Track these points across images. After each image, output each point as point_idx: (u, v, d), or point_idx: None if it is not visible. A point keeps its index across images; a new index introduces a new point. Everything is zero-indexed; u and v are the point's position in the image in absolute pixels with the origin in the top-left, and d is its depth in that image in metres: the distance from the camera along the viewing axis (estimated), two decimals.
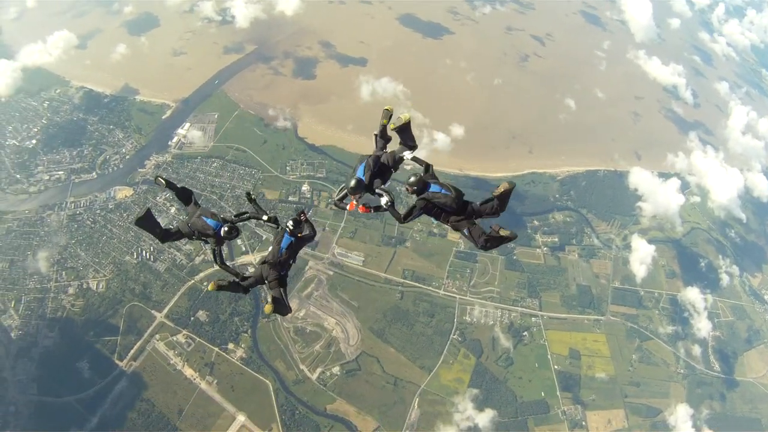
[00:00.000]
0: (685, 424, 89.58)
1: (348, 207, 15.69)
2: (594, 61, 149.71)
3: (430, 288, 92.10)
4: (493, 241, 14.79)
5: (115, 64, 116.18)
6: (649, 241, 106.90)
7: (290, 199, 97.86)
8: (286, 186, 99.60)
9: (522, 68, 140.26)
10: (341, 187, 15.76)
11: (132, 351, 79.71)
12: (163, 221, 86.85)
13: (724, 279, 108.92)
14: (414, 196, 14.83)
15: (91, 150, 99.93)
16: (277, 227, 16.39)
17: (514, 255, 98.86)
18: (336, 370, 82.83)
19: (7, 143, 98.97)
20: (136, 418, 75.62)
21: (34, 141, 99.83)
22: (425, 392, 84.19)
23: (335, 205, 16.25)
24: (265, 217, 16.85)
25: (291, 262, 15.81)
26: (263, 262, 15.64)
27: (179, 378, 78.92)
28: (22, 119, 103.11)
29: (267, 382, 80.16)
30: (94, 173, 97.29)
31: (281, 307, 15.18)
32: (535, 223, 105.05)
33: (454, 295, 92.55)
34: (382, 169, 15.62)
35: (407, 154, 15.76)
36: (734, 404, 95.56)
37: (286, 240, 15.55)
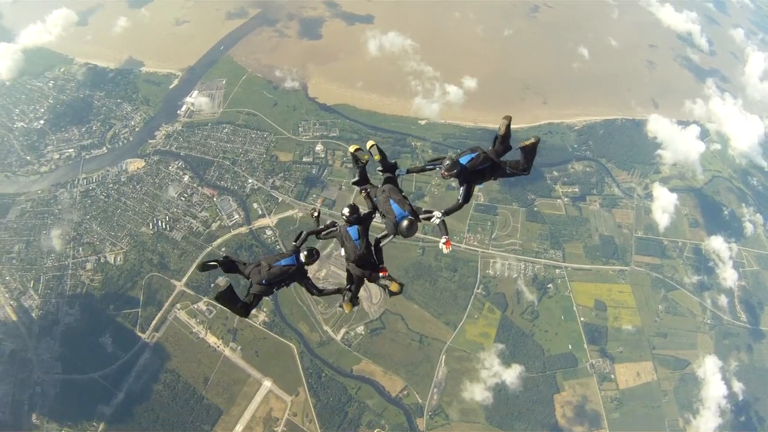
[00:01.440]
0: (714, 377, 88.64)
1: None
2: (605, 9, 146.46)
3: (453, 243, 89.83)
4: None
5: (117, 37, 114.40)
6: (671, 190, 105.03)
7: (304, 159, 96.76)
8: (300, 147, 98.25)
9: (532, 19, 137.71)
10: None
11: (154, 322, 79.17)
12: (175, 190, 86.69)
13: (748, 228, 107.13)
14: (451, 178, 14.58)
15: (100, 125, 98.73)
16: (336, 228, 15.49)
17: (535, 206, 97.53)
18: (360, 329, 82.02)
19: (15, 126, 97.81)
20: (161, 390, 75.40)
21: (42, 121, 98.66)
22: (451, 349, 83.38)
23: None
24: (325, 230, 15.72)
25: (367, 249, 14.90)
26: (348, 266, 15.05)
27: (202, 346, 78.38)
28: (29, 101, 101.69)
29: (291, 345, 79.50)
30: (104, 148, 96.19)
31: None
32: (555, 173, 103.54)
33: (476, 249, 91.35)
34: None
35: (435, 219, 15.02)
36: (762, 355, 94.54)
37: (353, 231, 14.85)
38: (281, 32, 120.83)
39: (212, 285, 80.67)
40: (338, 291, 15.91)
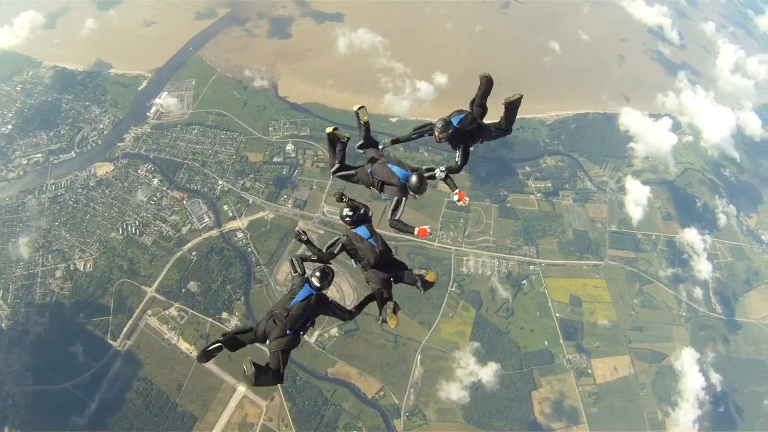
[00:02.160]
0: (691, 369, 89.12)
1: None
2: (576, 4, 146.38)
3: (425, 241, 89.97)
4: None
5: (86, 39, 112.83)
6: (644, 183, 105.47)
7: (275, 160, 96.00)
8: (270, 147, 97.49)
9: (503, 15, 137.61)
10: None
11: (125, 329, 78.01)
12: (145, 194, 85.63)
13: (722, 219, 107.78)
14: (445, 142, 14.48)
15: (68, 129, 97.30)
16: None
17: (508, 203, 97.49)
18: (334, 331, 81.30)
19: None
20: (134, 398, 74.30)
21: (9, 126, 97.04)
22: (427, 348, 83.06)
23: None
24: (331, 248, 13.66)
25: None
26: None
27: (175, 353, 77.33)
28: None
29: (264, 349, 77.71)
30: (72, 152, 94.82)
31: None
32: (527, 169, 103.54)
33: (449, 246, 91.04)
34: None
35: (439, 173, 14.68)
36: (738, 346, 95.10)
37: (362, 231, 13.46)
38: (250, 32, 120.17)
39: (183, 291, 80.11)
40: (371, 299, 14.30)
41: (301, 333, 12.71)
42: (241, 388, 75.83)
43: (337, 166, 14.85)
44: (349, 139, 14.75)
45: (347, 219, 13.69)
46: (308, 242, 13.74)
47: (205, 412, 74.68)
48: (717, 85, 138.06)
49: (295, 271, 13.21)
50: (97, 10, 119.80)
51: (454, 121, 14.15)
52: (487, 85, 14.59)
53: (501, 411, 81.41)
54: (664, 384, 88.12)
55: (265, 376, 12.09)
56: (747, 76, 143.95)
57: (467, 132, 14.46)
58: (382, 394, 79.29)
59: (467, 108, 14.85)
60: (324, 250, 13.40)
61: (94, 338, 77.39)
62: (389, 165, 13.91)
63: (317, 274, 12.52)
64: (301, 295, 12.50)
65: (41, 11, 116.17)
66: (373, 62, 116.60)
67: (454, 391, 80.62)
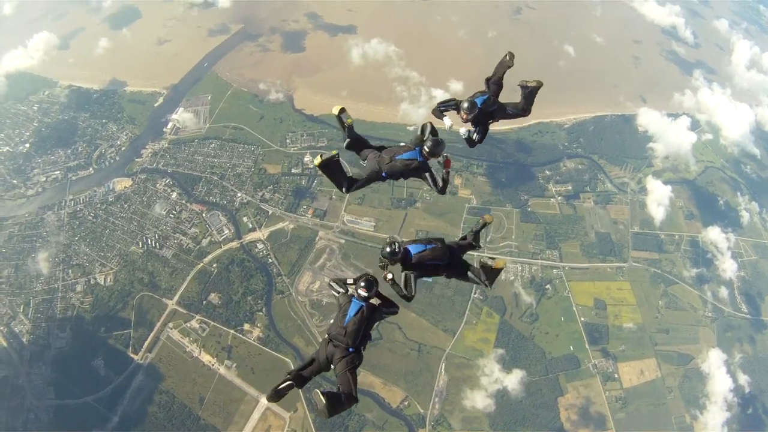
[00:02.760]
0: (718, 370, 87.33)
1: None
2: (588, 7, 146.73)
3: None
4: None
5: (100, 59, 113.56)
6: (664, 183, 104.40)
7: (293, 171, 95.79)
8: (288, 159, 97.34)
9: (515, 21, 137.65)
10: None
11: (146, 342, 77.51)
12: (164, 208, 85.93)
13: (745, 217, 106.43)
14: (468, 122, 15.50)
15: (86, 146, 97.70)
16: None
17: (529, 207, 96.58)
18: None
19: (1, 151, 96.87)
20: (156, 412, 73.55)
21: (27, 145, 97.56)
22: (451, 356, 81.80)
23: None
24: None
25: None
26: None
27: (197, 365, 76.75)
28: (14, 125, 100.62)
29: (287, 360, 77.60)
30: (90, 169, 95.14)
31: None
32: (547, 173, 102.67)
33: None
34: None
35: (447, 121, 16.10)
36: (766, 346, 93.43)
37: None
38: (264, 47, 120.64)
39: (204, 303, 79.80)
40: (411, 278, 14.10)
41: (362, 348, 12.63)
42: (264, 400, 74.61)
43: (348, 141, 14.78)
44: (351, 124, 14.57)
45: (394, 258, 13.47)
46: (395, 284, 13.95)
47: (228, 424, 73.74)
48: (734, 82, 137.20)
49: (338, 292, 13.39)
50: (110, 29, 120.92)
51: (479, 102, 15.30)
52: (506, 66, 15.79)
53: (527, 418, 79.88)
54: (691, 387, 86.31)
55: (339, 403, 11.76)
56: (763, 72, 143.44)
57: (488, 112, 15.62)
58: (406, 403, 77.94)
59: (484, 87, 15.89)
60: (405, 291, 13.80)
61: (116, 352, 76.91)
62: (398, 157, 14.12)
63: (362, 284, 12.72)
64: (353, 310, 12.56)
65: (55, 32, 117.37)
66: (387, 72, 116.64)
67: (479, 400, 79.17)
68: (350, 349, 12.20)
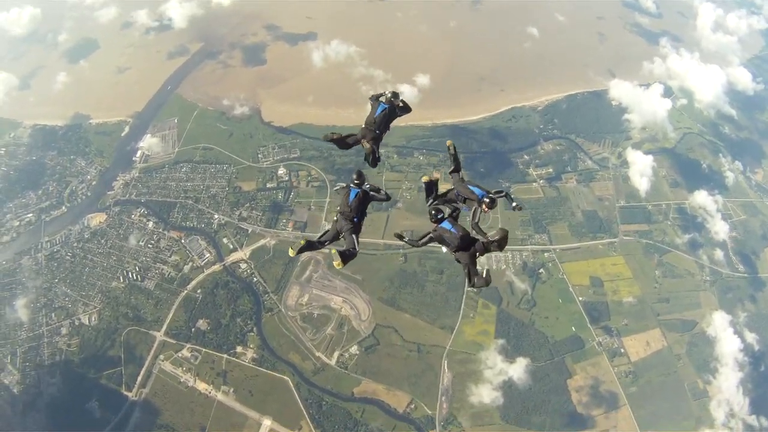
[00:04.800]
0: (725, 332, 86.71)
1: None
2: None
3: (434, 245, 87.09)
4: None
5: (61, 94, 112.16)
6: (645, 154, 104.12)
7: (268, 185, 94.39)
8: (262, 174, 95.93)
9: (476, 11, 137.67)
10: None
11: (139, 378, 75.51)
12: (141, 238, 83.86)
13: (729, 177, 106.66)
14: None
15: (56, 185, 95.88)
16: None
17: (512, 194, 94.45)
18: (354, 349, 78.75)
19: None
20: None
21: None
22: (452, 353, 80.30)
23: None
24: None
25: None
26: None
27: (193, 394, 74.71)
28: None
29: (285, 378, 76.01)
30: (63, 207, 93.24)
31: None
32: (525, 157, 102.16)
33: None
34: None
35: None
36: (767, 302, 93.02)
37: (446, 224, 16.80)
38: (225, 63, 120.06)
39: (192, 330, 78.19)
40: (431, 240, 17.33)
41: (362, 220, 17.21)
42: (267, 422, 73.13)
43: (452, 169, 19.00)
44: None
45: (433, 219, 17.14)
46: (408, 241, 18.64)
47: None
48: (701, 46, 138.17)
49: (342, 188, 17.80)
50: (68, 63, 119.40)
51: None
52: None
53: (538, 406, 78.51)
54: (699, 352, 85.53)
55: (346, 256, 16.21)
56: (729, 33, 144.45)
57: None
58: (413, 407, 76.29)
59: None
60: (419, 241, 17.52)
61: (109, 391, 74.71)
62: (470, 186, 17.70)
63: (354, 177, 17.48)
64: (353, 194, 17.21)
65: (13, 73, 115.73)
66: (351, 73, 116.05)
67: (485, 394, 77.63)
68: (355, 219, 16.93)
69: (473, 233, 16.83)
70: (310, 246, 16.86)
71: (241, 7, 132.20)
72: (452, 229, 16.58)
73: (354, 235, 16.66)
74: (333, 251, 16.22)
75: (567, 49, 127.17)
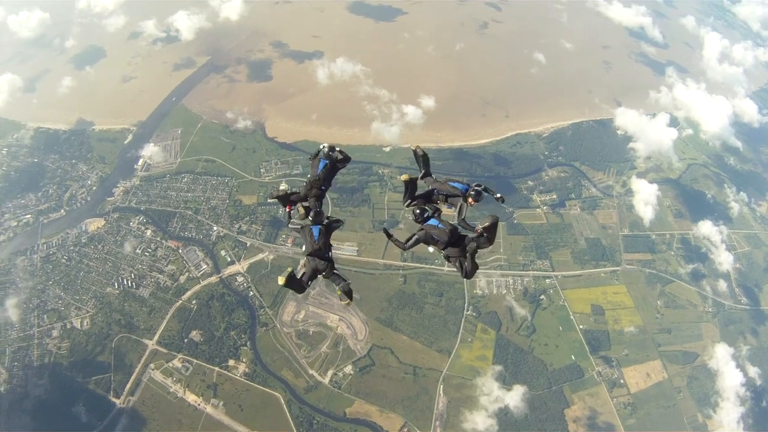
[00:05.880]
0: (727, 365, 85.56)
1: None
2: (554, 14, 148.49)
3: (434, 267, 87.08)
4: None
5: (66, 99, 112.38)
6: (650, 183, 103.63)
7: (269, 201, 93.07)
8: (263, 188, 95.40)
9: (483, 35, 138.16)
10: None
11: (128, 385, 74.36)
12: (139, 246, 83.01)
13: (734, 209, 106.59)
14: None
15: (56, 188, 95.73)
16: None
17: (515, 219, 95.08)
18: (348, 369, 77.53)
19: None
20: None
21: None
22: (449, 377, 78.92)
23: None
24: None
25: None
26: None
27: (182, 406, 73.37)
28: None
29: (276, 394, 74.71)
30: (62, 210, 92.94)
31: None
32: (529, 183, 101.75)
33: None
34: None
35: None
36: None
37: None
38: (231, 77, 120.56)
39: (185, 341, 76.79)
40: (418, 241, 16.80)
41: (330, 253, 16.88)
42: None
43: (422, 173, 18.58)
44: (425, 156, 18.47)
45: (417, 219, 16.70)
46: (394, 241, 17.63)
47: None
48: (707, 77, 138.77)
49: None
50: (75, 69, 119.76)
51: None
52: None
53: None
54: (700, 385, 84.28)
55: (348, 293, 16.56)
56: (735, 64, 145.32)
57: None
58: (406, 430, 74.58)
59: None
60: (405, 243, 16.84)
61: (97, 397, 73.60)
62: (451, 183, 17.48)
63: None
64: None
65: (20, 75, 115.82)
66: (355, 92, 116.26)
67: (480, 421, 75.87)
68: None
69: (461, 230, 16.49)
70: (295, 282, 16.31)
71: (249, 24, 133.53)
72: (440, 225, 16.26)
73: (335, 273, 16.64)
74: (339, 292, 16.55)
75: (573, 77, 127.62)
